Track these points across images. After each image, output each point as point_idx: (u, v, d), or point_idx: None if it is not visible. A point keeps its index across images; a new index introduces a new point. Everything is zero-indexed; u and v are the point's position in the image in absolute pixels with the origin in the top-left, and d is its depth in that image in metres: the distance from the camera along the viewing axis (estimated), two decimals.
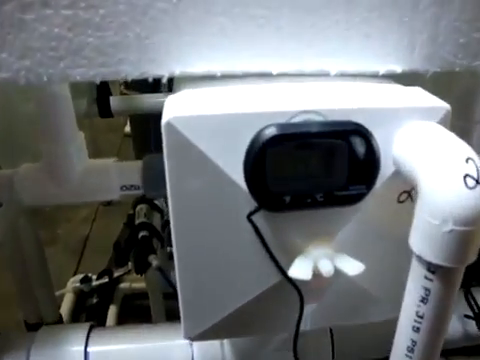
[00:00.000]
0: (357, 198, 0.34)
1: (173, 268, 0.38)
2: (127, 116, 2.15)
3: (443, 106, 0.35)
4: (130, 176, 0.50)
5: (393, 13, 0.39)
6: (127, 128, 2.20)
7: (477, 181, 0.29)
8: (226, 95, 0.36)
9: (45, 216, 1.71)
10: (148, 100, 1.09)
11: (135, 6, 0.36)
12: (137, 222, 1.23)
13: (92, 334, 0.57)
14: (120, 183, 0.50)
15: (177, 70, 0.39)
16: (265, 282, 0.38)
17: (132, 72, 0.38)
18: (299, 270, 0.34)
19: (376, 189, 0.35)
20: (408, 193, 0.38)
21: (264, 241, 0.35)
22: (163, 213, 1.33)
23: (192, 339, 0.42)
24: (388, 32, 0.39)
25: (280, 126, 0.32)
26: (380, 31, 0.39)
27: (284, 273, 0.36)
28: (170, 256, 1.49)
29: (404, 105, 0.35)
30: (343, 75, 0.41)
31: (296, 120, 0.33)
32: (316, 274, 0.34)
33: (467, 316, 0.59)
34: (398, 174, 0.35)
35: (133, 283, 1.40)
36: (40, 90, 0.47)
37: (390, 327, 0.39)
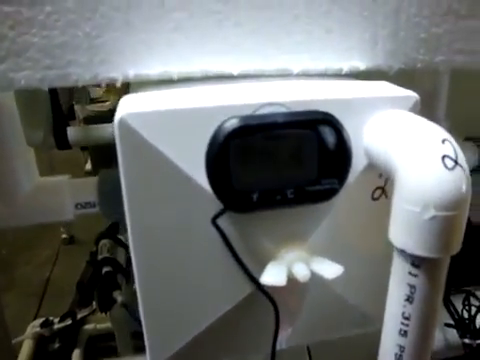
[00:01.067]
0: (330, 193, 0.32)
1: None
2: (87, 154, 2.11)
3: (412, 95, 0.34)
4: (85, 193, 0.46)
5: (353, 7, 0.38)
6: (88, 166, 2.14)
7: (456, 161, 0.27)
8: (184, 94, 0.34)
9: (1, 259, 1.62)
10: (107, 130, 1.05)
11: (84, 3, 0.33)
12: (100, 257, 1.17)
13: None
14: (74, 201, 0.46)
15: (131, 72, 0.36)
16: (235, 295, 0.35)
17: (82, 75, 0.36)
18: (272, 276, 0.31)
19: (349, 185, 0.33)
20: (382, 189, 0.36)
21: (232, 247, 0.32)
22: (128, 248, 1.27)
23: None
24: (349, 26, 0.38)
25: (243, 118, 0.30)
26: (341, 26, 0.38)
27: (256, 282, 0.33)
28: (136, 293, 1.43)
29: (373, 95, 0.34)
30: (306, 75, 0.39)
31: (259, 113, 0.31)
32: (291, 280, 0.32)
33: (447, 324, 0.57)
34: (371, 167, 0.33)
35: (98, 324, 1.32)
36: None
37: (372, 339, 0.36)
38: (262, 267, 0.33)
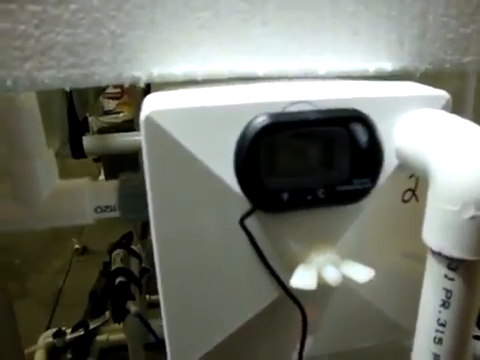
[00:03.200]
0: (361, 193, 0.31)
1: (153, 317, 0.33)
2: (100, 165, 2.11)
3: (443, 94, 0.33)
4: (105, 197, 0.46)
5: (380, 7, 0.37)
6: (101, 177, 2.15)
7: None
8: (210, 92, 0.33)
9: (15, 268, 1.62)
10: (123, 139, 1.05)
11: (109, 1, 0.33)
12: (113, 268, 1.17)
13: None
14: (94, 204, 0.46)
15: (155, 71, 0.36)
16: (262, 300, 0.33)
17: (106, 74, 0.35)
18: (302, 279, 0.29)
19: (379, 186, 0.32)
20: (412, 192, 0.35)
21: (259, 249, 0.31)
22: (141, 259, 1.27)
23: None
24: (376, 27, 0.38)
25: (273, 115, 0.29)
26: (368, 26, 0.37)
27: (283, 286, 0.32)
28: (150, 304, 1.41)
29: (403, 94, 0.33)
30: (331, 76, 0.38)
31: (289, 110, 0.30)
32: (321, 283, 0.30)
33: (476, 337, 0.55)
34: (402, 168, 0.32)
35: (111, 335, 1.31)
36: (3, 101, 0.43)
37: (399, 350, 0.35)
38: (290, 271, 0.31)
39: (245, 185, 0.29)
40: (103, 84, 0.36)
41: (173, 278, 0.32)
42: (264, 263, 0.31)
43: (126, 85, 0.37)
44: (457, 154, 0.26)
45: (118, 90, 2.21)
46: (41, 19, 0.33)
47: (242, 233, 0.31)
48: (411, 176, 0.34)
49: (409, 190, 0.34)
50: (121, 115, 1.87)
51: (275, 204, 0.29)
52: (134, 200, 0.41)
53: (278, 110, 0.30)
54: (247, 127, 0.29)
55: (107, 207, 0.45)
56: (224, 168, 0.29)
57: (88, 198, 0.46)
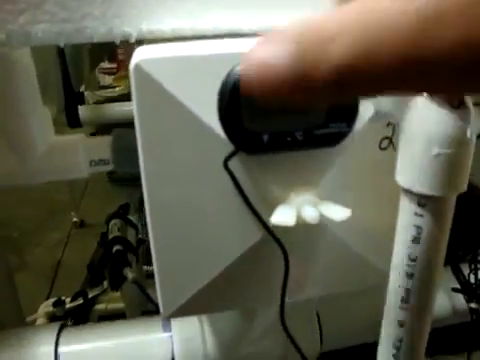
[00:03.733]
0: (338, 137, 0.33)
1: (151, 287, 0.35)
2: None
3: None
4: (99, 151, 0.48)
5: None
6: None
7: (461, 101, 0.28)
8: (196, 44, 0.35)
9: (13, 241, 1.64)
10: (119, 109, 1.07)
11: None
12: (110, 237, 1.19)
13: (63, 333, 0.53)
14: (89, 158, 0.48)
15: (144, 26, 0.37)
16: (246, 241, 0.36)
17: (97, 29, 0.37)
18: (281, 216, 0.32)
19: (356, 132, 0.34)
20: (389, 139, 0.37)
21: (242, 190, 0.33)
22: (137, 229, 1.30)
23: (170, 316, 0.39)
24: None
25: None
26: None
27: (266, 225, 0.34)
28: (147, 275, 1.44)
29: None
30: None
31: None
32: (300, 222, 0.32)
33: (454, 289, 0.58)
34: (379, 116, 0.34)
35: (109, 304, 1.34)
36: None
37: (379, 310, 0.37)
38: (272, 212, 0.33)
39: (228, 128, 0.31)
40: (95, 39, 0.37)
41: (161, 219, 0.34)
42: (247, 204, 0.33)
43: (117, 41, 0.38)
44: (423, 97, 0.28)
45: (114, 65, 2.21)
46: None
47: (226, 175, 0.33)
48: (388, 124, 0.36)
49: (386, 138, 0.36)
50: (117, 89, 1.87)
51: (256, 146, 0.31)
52: (127, 153, 0.43)
53: None
54: (229, 74, 0.30)
55: (101, 160, 0.47)
56: (208, 113, 0.31)
57: (83, 152, 0.48)
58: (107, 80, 2.16)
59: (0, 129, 0.46)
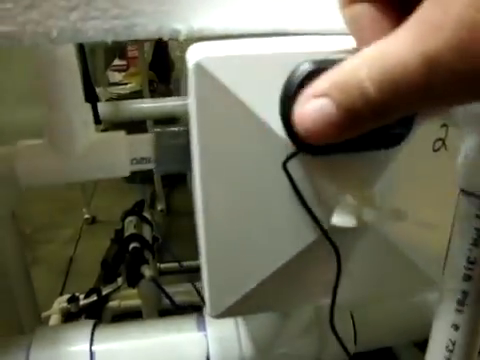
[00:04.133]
0: (398, 139, 0.32)
1: (164, 284, 0.34)
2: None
3: None
4: (141, 148, 0.47)
5: None
6: None
7: None
8: (255, 42, 0.34)
9: (26, 238, 1.64)
10: (135, 106, 1.06)
11: None
12: (127, 234, 1.19)
13: (97, 331, 0.53)
14: (130, 156, 0.47)
15: (195, 24, 0.37)
16: (300, 241, 0.35)
17: (147, 26, 0.36)
18: (342, 218, 0.31)
19: (412, 134, 0.34)
20: (442, 141, 0.36)
21: (299, 192, 0.33)
22: (153, 226, 1.30)
23: (218, 316, 0.39)
24: None
25: (317, 61, 0.30)
26: None
27: (321, 227, 0.34)
28: (161, 272, 1.44)
29: None
30: None
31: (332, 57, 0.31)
32: (359, 224, 0.32)
33: None
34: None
35: (123, 301, 1.34)
36: (43, 55, 0.44)
37: (414, 312, 0.36)
38: (327, 213, 0.33)
39: (290, 129, 0.31)
40: (143, 37, 0.37)
41: (214, 218, 0.34)
42: (303, 205, 0.33)
43: (165, 38, 0.38)
44: None
45: (124, 62, 2.21)
46: None
47: (283, 175, 0.32)
48: (443, 125, 0.35)
49: (439, 139, 0.36)
50: (128, 86, 1.87)
51: (317, 147, 0.31)
52: (170, 152, 0.42)
53: (322, 57, 0.31)
54: (292, 73, 0.30)
55: (143, 158, 0.46)
56: (270, 113, 0.31)
57: (124, 150, 0.47)
58: (117, 77, 2.16)
59: (42, 126, 0.46)
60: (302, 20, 0.38)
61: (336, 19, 0.38)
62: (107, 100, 1.74)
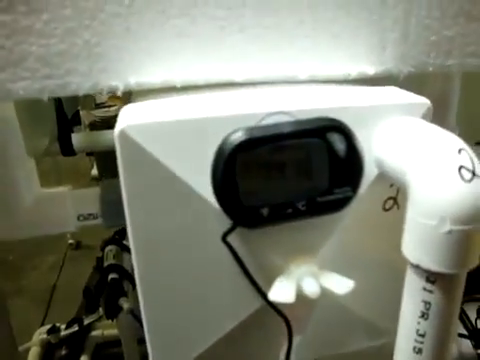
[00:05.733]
0: (343, 203, 0.30)
1: None
2: (93, 159, 2.10)
3: (424, 102, 0.33)
4: (87, 204, 0.45)
5: (361, 11, 0.37)
6: (94, 171, 2.13)
7: (473, 173, 0.26)
8: (187, 102, 0.33)
9: (8, 265, 1.62)
10: (112, 136, 1.04)
11: (83, 10, 0.32)
12: (106, 264, 1.17)
13: None
14: (77, 212, 0.45)
15: (132, 80, 0.35)
16: (244, 310, 0.33)
17: (82, 84, 0.35)
18: (280, 293, 0.29)
19: (359, 195, 0.32)
20: (394, 199, 0.34)
21: (242, 263, 0.31)
22: None
23: None
24: (357, 30, 0.37)
25: (249, 129, 0.28)
26: (348, 30, 0.37)
27: (265, 297, 0.32)
28: None
29: (382, 102, 0.32)
30: (313, 81, 0.38)
31: (265, 123, 0.29)
32: (300, 296, 0.30)
33: (461, 335, 0.55)
34: (382, 177, 0.32)
35: (105, 330, 1.31)
36: None
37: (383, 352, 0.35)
38: (271, 281, 0.31)
39: (224, 203, 0.29)
40: (80, 93, 0.35)
41: (153, 290, 0.32)
42: (247, 276, 0.31)
43: (104, 94, 0.37)
44: (433, 168, 0.26)
45: None
46: (12, 29, 0.32)
47: (223, 246, 0.31)
48: (392, 185, 0.34)
49: (390, 198, 0.34)
50: (113, 109, 1.85)
51: (255, 220, 0.29)
52: (116, 208, 0.40)
53: (254, 122, 0.29)
54: (223, 143, 0.28)
55: (90, 215, 0.44)
56: (202, 183, 0.29)
57: (70, 206, 0.46)
58: (103, 97, 2.14)
59: None
60: (251, 70, 0.36)
61: (281, 68, 0.37)
62: (90, 123, 1.72)
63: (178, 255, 0.31)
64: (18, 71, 0.33)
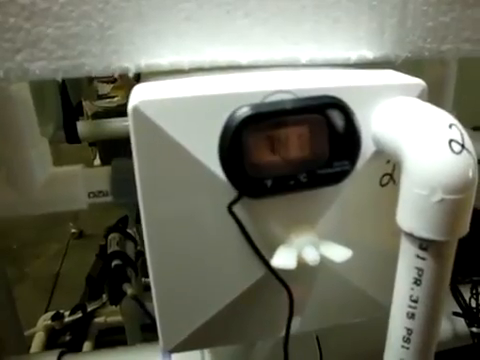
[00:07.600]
0: (341, 175, 0.32)
1: (149, 299, 0.35)
2: (96, 149, 2.12)
3: (419, 82, 0.35)
4: (98, 182, 0.47)
5: None
6: (96, 161, 2.15)
7: (463, 146, 0.27)
8: (195, 82, 0.34)
9: (13, 253, 1.64)
10: (116, 124, 1.06)
11: None
12: (109, 251, 1.19)
13: None
14: (87, 190, 0.47)
15: (142, 62, 0.37)
16: (248, 278, 0.35)
17: (95, 65, 0.36)
18: (282, 259, 0.31)
19: (357, 171, 0.34)
20: (390, 176, 0.36)
21: (246, 232, 0.33)
22: (136, 242, 1.29)
23: (171, 351, 0.39)
24: (357, 16, 0.39)
25: (254, 106, 0.30)
26: (349, 15, 0.39)
27: (268, 265, 0.34)
28: (145, 287, 1.44)
29: (380, 83, 0.34)
30: (313, 65, 0.40)
31: (269, 100, 0.31)
32: (301, 263, 0.32)
33: (455, 313, 0.57)
34: (379, 154, 0.34)
35: (108, 317, 1.33)
36: None
37: (379, 332, 0.36)
38: (273, 250, 0.33)
39: (230, 174, 0.31)
40: (93, 74, 0.37)
41: (162, 260, 0.34)
42: (251, 245, 0.33)
43: (116, 75, 0.38)
44: (425, 141, 0.28)
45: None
46: (31, 12, 0.34)
47: (228, 216, 0.33)
48: (388, 161, 0.35)
49: (387, 174, 0.36)
50: (115, 99, 1.87)
51: (259, 191, 0.31)
52: (126, 185, 0.42)
53: (259, 100, 0.31)
54: (229, 119, 0.30)
55: (100, 192, 0.46)
56: (210, 157, 0.31)
57: (81, 184, 0.47)
58: (106, 89, 2.16)
59: None
60: (255, 53, 0.38)
61: (284, 52, 0.38)
62: (93, 114, 1.73)
63: (186, 225, 0.33)
64: (35, 52, 0.35)
